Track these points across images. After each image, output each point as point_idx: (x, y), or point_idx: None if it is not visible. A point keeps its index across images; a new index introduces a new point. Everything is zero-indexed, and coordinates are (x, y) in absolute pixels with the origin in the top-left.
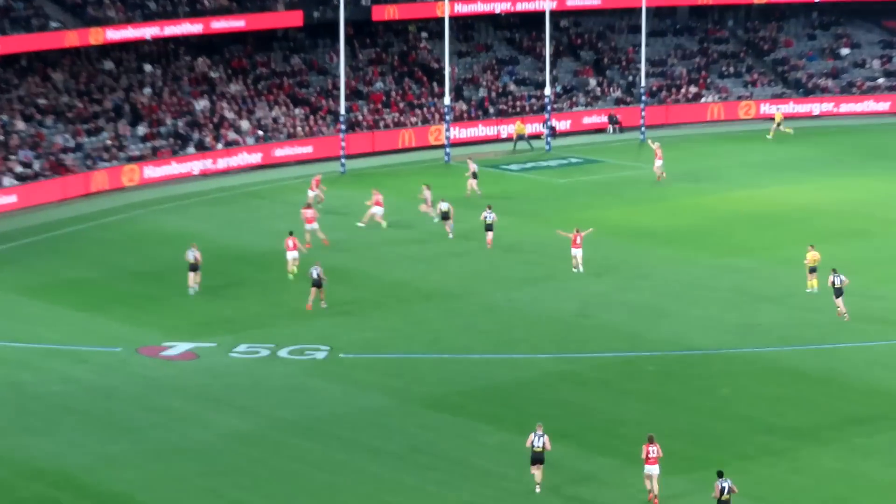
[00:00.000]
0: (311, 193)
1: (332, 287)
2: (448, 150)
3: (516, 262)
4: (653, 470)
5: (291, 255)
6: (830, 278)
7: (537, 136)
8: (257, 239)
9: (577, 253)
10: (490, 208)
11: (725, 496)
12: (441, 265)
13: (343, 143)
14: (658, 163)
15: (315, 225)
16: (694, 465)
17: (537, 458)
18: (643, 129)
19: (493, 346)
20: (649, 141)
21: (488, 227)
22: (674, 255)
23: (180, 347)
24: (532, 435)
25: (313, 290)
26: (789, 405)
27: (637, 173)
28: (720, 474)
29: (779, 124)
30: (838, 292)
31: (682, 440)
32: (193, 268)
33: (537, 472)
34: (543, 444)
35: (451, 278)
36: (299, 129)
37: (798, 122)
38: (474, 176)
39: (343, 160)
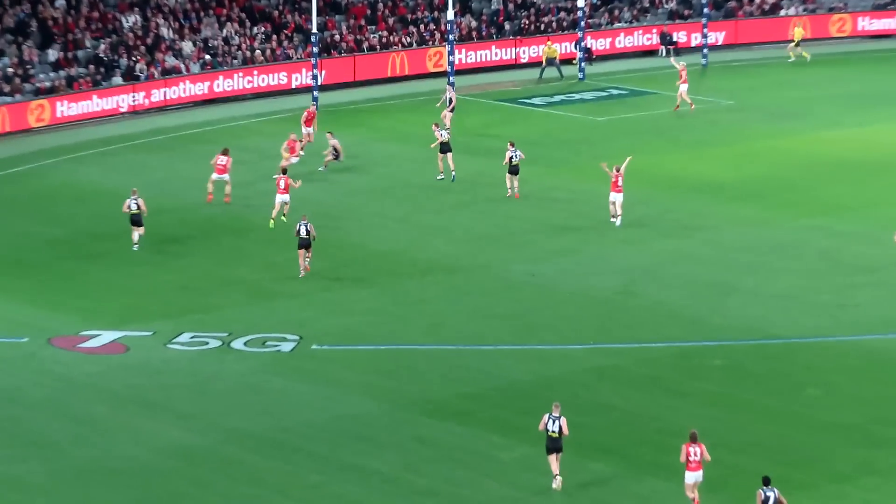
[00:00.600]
0: (304, 130)
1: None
2: (452, 78)
3: (541, 224)
4: (695, 477)
5: (281, 198)
6: None
7: (569, 61)
8: (204, 197)
9: (617, 198)
10: (513, 145)
11: None
12: (443, 229)
13: (316, 72)
14: (682, 87)
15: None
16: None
17: (554, 446)
18: (705, 51)
19: (511, 334)
20: (672, 60)
21: (514, 170)
22: (746, 215)
23: (104, 337)
24: (546, 417)
25: (301, 252)
26: None
27: (698, 108)
28: (766, 481)
29: (797, 44)
30: None
31: (756, 456)
32: (136, 221)
33: (555, 463)
34: (560, 427)
35: (457, 246)
36: (258, 52)
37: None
38: (450, 106)
39: (315, 93)
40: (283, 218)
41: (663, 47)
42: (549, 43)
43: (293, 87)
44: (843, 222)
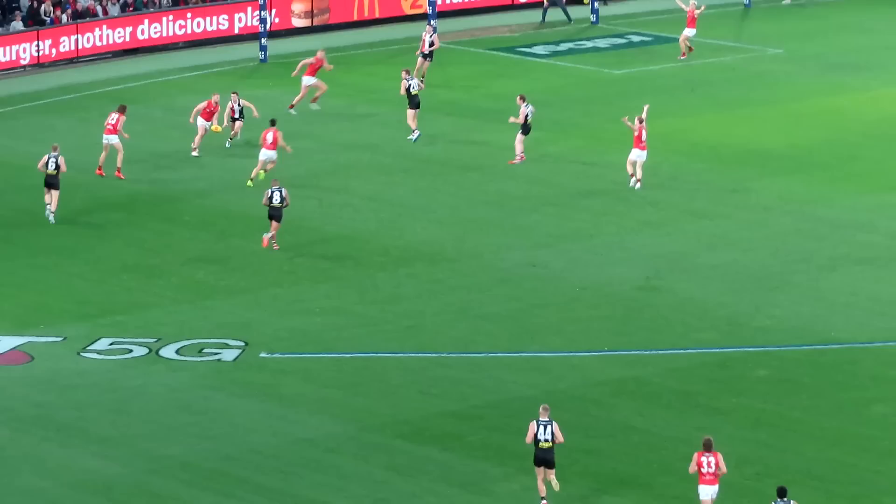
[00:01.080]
0: (307, 82)
1: (251, 247)
2: (433, 22)
3: (545, 203)
4: (710, 492)
5: (267, 154)
6: None
7: (579, 0)
8: (127, 168)
9: (640, 157)
10: (524, 100)
11: None
12: (422, 209)
13: (264, 13)
14: (688, 32)
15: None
16: None
17: (544, 459)
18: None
19: (508, 338)
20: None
21: (526, 129)
22: (797, 191)
23: (2, 344)
24: (533, 424)
25: (273, 224)
26: None
27: (738, 58)
28: (781, 492)
29: None
30: None
31: (810, 487)
32: (51, 183)
33: (545, 480)
34: (552, 435)
35: (439, 230)
36: None
37: None
38: (426, 55)
39: (264, 41)
40: (262, 175)
41: None
42: None
43: (236, 33)
44: None
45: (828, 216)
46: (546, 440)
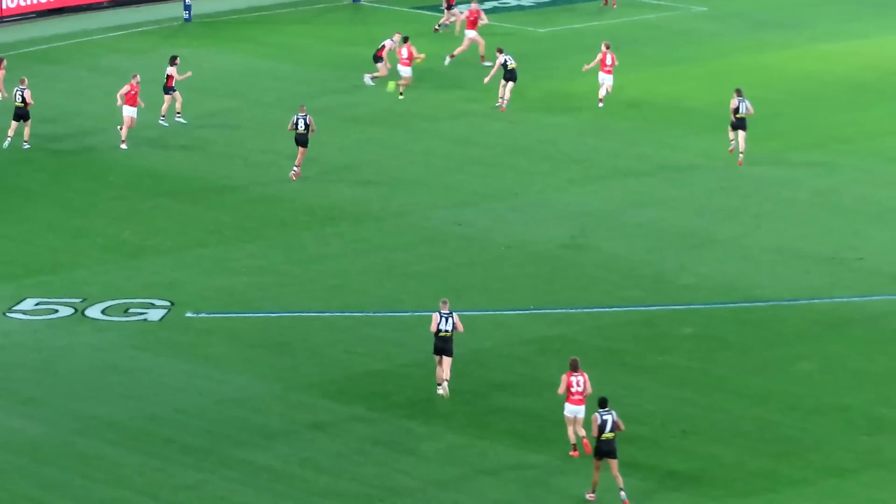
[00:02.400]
0: (470, 35)
1: (177, 207)
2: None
3: (470, 162)
4: (576, 411)
5: (404, 70)
6: None
7: None
8: (51, 128)
9: (607, 80)
10: (502, 52)
11: None
12: (347, 168)
13: None
14: None
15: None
16: (758, 484)
17: (444, 347)
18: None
19: (432, 297)
20: None
21: (510, 76)
22: (722, 148)
23: None
24: (436, 315)
25: (300, 150)
26: None
27: (669, 15)
28: (602, 403)
29: None
30: None
31: (736, 445)
32: (21, 115)
33: (443, 368)
34: (454, 325)
35: (364, 189)
36: None
37: None
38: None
39: (188, 1)
40: (399, 96)
41: None
42: None
43: None
44: (843, 157)
45: (752, 174)
46: (446, 330)
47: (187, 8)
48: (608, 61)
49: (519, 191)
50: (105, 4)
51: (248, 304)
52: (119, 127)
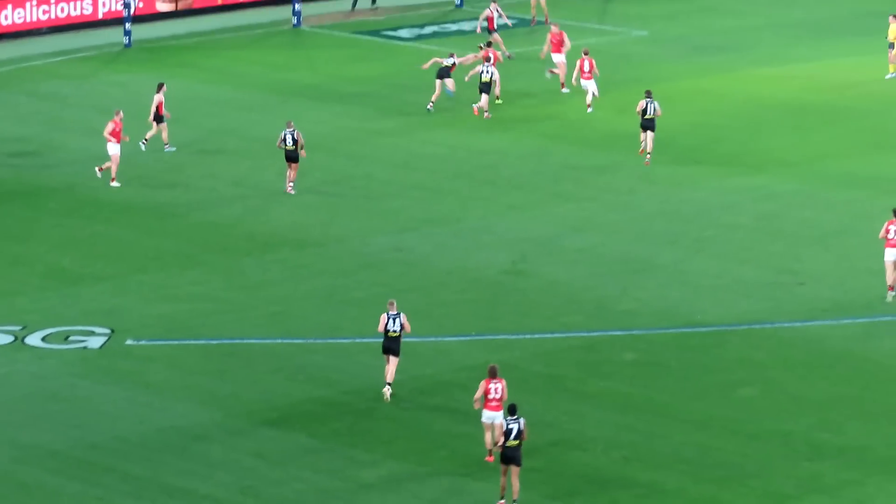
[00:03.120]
0: (557, 59)
1: (116, 233)
2: (298, 6)
3: (411, 187)
4: (493, 417)
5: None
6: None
7: None
8: None
9: (590, 85)
10: (488, 59)
11: None
12: (288, 194)
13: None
14: None
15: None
16: None
17: (392, 347)
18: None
19: (373, 323)
20: None
21: (484, 88)
22: (663, 173)
23: None
24: (384, 316)
25: (291, 166)
26: (851, 412)
27: (607, 40)
28: (512, 410)
29: None
30: None
31: (678, 471)
32: None
33: (390, 368)
34: (402, 325)
35: (305, 215)
36: None
37: None
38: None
39: (128, 26)
40: (497, 100)
41: None
42: None
43: (99, 18)
44: (784, 181)
45: (693, 198)
46: (394, 331)
47: (127, 34)
48: (586, 68)
49: (460, 216)
50: (44, 30)
51: (189, 331)
52: (100, 167)
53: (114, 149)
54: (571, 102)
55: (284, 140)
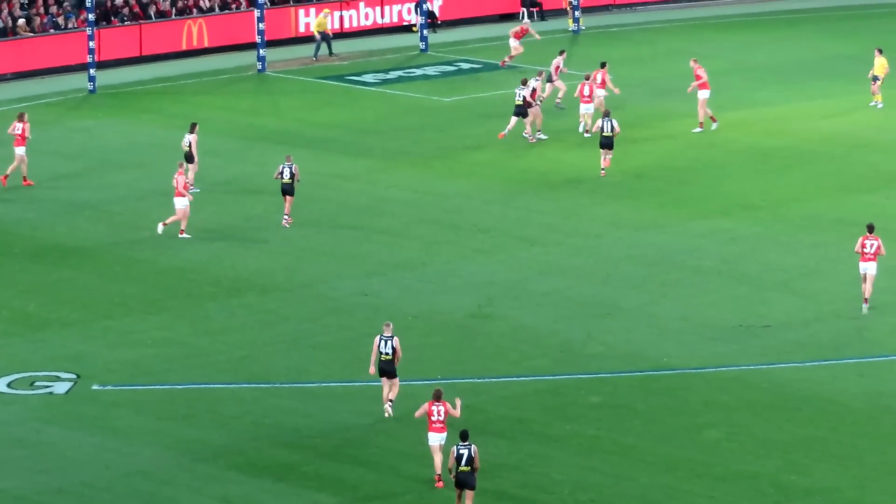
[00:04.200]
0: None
1: (82, 279)
2: (262, 51)
3: (376, 232)
4: (439, 439)
5: (586, 108)
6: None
7: (409, 27)
8: None
9: (587, 110)
10: (525, 84)
11: None
12: (254, 239)
13: (92, 44)
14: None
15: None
16: None
17: (384, 369)
18: (576, 12)
19: (340, 367)
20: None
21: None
22: (628, 217)
23: None
24: (378, 339)
25: (287, 199)
26: (817, 454)
27: (568, 84)
28: (463, 436)
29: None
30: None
31: None
32: None
33: (387, 388)
34: (394, 348)
35: (272, 260)
36: (21, 21)
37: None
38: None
39: (92, 72)
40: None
41: (525, 9)
42: (325, 11)
43: (61, 66)
44: (748, 225)
45: (659, 241)
46: (387, 354)
47: (92, 79)
48: (586, 92)
49: (426, 260)
50: (8, 76)
51: (155, 377)
52: (164, 222)
53: (181, 202)
54: (538, 147)
55: (282, 173)
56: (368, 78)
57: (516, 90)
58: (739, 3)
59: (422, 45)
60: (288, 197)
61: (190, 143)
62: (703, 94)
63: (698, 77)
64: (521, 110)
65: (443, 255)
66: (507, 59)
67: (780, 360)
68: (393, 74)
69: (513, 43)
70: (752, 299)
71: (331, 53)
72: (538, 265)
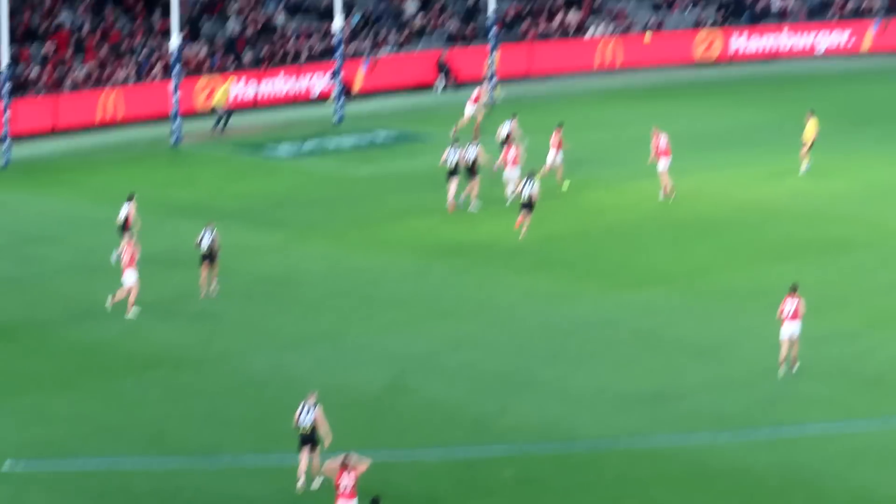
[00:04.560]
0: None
1: None
2: (177, 123)
3: (291, 304)
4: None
5: (509, 173)
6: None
7: (324, 98)
8: None
9: (511, 175)
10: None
11: None
12: (167, 312)
13: (5, 116)
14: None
15: None
16: None
17: (307, 440)
18: (493, 83)
19: (253, 442)
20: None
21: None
22: (542, 288)
23: None
24: (299, 409)
25: (205, 265)
26: None
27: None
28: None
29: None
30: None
31: None
32: None
33: (303, 458)
34: (314, 420)
35: (184, 334)
36: None
37: (743, 68)
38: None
39: (6, 144)
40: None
41: (441, 78)
42: (225, 86)
43: None
44: (662, 296)
45: (573, 313)
46: (305, 426)
47: (6, 152)
48: (511, 156)
49: (340, 333)
50: None
51: (68, 454)
52: (112, 296)
53: (131, 277)
54: (454, 219)
55: (201, 241)
56: (283, 149)
57: (451, 152)
58: (655, 72)
59: (337, 116)
60: (210, 264)
61: (128, 214)
62: (664, 164)
63: (657, 147)
64: (458, 172)
65: (357, 327)
66: (457, 126)
67: (695, 431)
68: (307, 146)
69: (468, 109)
70: (665, 371)
71: (223, 129)
72: (452, 338)
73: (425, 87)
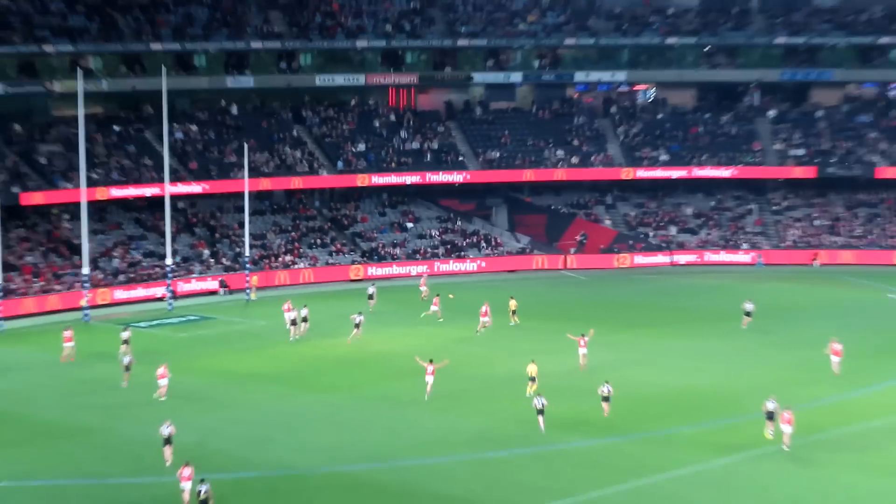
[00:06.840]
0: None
1: None
2: (87, 311)
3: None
4: (187, 485)
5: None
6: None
7: (160, 299)
8: None
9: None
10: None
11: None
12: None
13: None
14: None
15: None
16: None
17: (167, 441)
18: (248, 290)
19: None
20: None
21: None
22: (278, 392)
23: None
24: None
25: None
26: None
27: (243, 327)
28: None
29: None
30: None
31: None
32: None
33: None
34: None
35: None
36: None
37: (392, 283)
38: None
39: None
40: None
41: (221, 289)
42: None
43: None
44: (336, 396)
45: (293, 405)
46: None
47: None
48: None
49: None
50: None
51: None
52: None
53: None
54: (227, 357)
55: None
56: (143, 324)
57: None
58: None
59: (169, 306)
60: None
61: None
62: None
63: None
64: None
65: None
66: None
67: (355, 462)
68: (155, 322)
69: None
70: (339, 432)
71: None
72: (229, 417)
73: (214, 293)
